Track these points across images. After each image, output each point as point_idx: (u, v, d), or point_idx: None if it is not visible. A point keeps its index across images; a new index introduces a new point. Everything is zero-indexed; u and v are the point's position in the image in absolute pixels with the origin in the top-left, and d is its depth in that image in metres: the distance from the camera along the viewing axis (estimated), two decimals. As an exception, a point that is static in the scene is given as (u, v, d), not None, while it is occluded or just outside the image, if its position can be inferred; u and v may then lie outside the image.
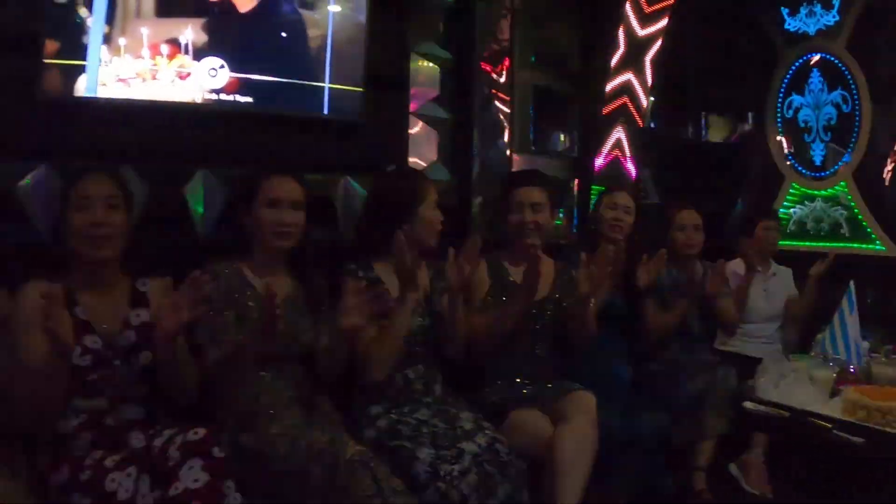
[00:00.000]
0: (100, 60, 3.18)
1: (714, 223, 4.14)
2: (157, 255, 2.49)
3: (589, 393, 2.76)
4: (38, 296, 2.07)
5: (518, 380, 2.95)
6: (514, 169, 4.30)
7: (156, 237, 2.67)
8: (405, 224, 2.69)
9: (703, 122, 5.56)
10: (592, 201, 4.51)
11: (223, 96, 3.37)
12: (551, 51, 4.61)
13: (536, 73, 4.51)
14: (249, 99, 3.42)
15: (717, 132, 5.62)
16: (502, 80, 4.39)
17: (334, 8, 3.63)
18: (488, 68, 4.34)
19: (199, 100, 3.34)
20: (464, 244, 2.69)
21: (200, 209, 3.33)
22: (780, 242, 4.22)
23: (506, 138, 4.34)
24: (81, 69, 3.15)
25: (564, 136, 4.95)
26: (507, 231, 3.10)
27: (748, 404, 2.83)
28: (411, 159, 3.98)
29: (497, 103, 4.38)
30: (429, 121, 4.06)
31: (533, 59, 4.49)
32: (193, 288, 2.18)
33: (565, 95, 4.72)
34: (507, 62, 4.40)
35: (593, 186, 4.77)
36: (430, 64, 4.09)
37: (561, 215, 4.60)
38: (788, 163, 4.94)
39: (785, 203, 4.90)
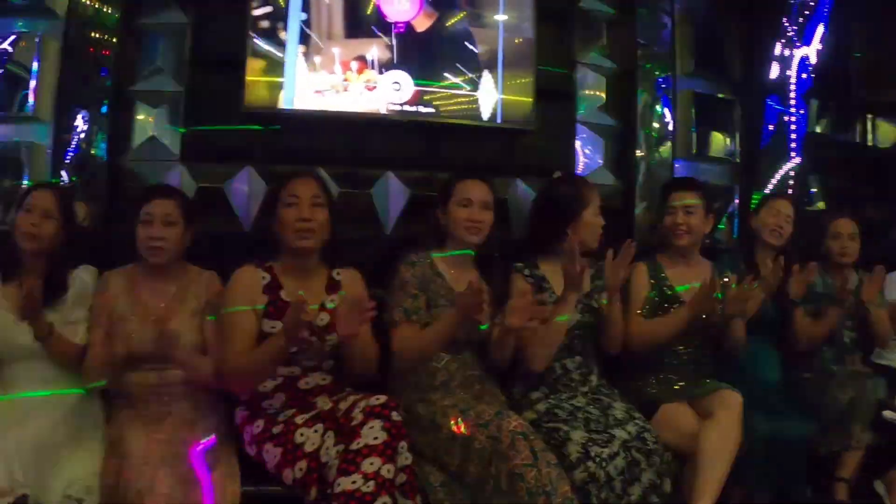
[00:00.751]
0: (296, 76, 3.60)
1: (878, 232, 4.04)
2: (349, 248, 2.80)
3: (736, 392, 2.82)
4: (250, 278, 2.50)
5: (671, 376, 3.04)
6: (675, 175, 4.37)
7: (347, 232, 2.94)
8: (569, 227, 2.87)
9: (869, 125, 5.35)
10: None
11: (406, 107, 3.72)
12: (712, 57, 4.63)
13: (698, 79, 4.55)
14: (430, 109, 3.75)
15: (884, 136, 5.38)
16: (665, 86, 4.49)
17: (503, 20, 3.89)
18: (651, 76, 4.45)
19: (384, 110, 3.70)
20: (621, 247, 2.82)
21: (385, 208, 3.67)
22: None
23: (668, 144, 4.43)
24: (280, 84, 3.59)
25: (727, 141, 4.94)
26: (663, 233, 3.21)
27: (887, 414, 2.81)
28: (578, 164, 4.14)
29: (660, 110, 4.48)
30: (595, 128, 4.19)
31: (694, 65, 4.55)
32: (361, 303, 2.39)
33: (727, 101, 4.73)
34: (669, 69, 4.49)
35: (755, 192, 4.75)
36: (596, 73, 4.23)
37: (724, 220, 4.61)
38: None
39: (952, 212, 4.64)
